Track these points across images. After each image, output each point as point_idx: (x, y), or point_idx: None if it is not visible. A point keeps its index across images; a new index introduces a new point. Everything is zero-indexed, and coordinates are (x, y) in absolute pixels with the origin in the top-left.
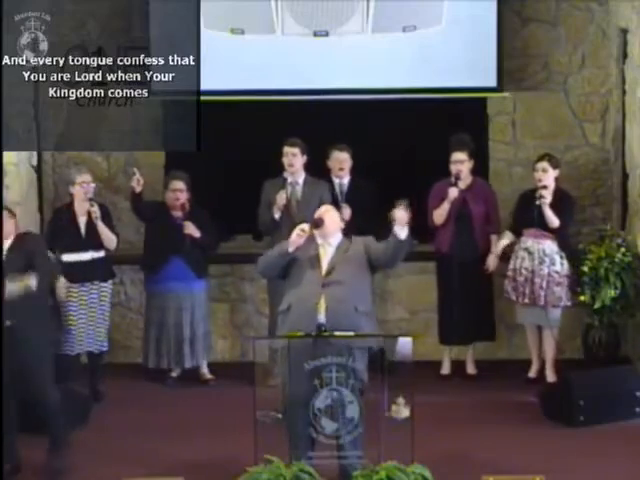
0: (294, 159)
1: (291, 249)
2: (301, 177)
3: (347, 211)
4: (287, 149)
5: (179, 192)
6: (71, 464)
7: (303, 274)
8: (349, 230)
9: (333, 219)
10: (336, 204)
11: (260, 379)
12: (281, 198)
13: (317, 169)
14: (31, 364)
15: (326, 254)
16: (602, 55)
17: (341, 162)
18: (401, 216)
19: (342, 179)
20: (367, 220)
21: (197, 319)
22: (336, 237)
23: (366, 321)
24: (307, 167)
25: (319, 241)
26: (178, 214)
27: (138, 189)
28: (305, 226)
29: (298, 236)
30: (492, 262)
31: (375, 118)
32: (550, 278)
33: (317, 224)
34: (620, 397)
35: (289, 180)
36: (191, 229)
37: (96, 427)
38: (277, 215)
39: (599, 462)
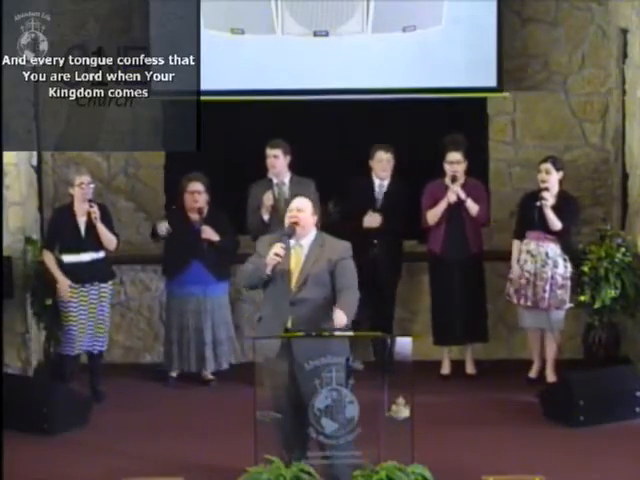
0: (276, 161)
1: (269, 271)
2: (287, 177)
3: (377, 218)
4: (269, 151)
5: (197, 194)
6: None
7: (275, 286)
8: (382, 233)
9: (305, 220)
10: (373, 206)
11: (260, 379)
12: (268, 199)
13: (317, 169)
14: None
15: (298, 262)
16: (602, 55)
17: (384, 163)
18: (339, 319)
19: (383, 180)
20: (400, 223)
21: (218, 322)
22: (309, 236)
23: (333, 339)
24: (311, 168)
25: (291, 242)
26: (195, 217)
27: (162, 235)
28: (280, 250)
29: (273, 259)
30: (515, 271)
31: (375, 118)
32: (553, 281)
33: (290, 234)
34: (620, 397)
35: (275, 181)
36: (208, 233)
37: (96, 427)
38: (266, 217)
39: (599, 462)
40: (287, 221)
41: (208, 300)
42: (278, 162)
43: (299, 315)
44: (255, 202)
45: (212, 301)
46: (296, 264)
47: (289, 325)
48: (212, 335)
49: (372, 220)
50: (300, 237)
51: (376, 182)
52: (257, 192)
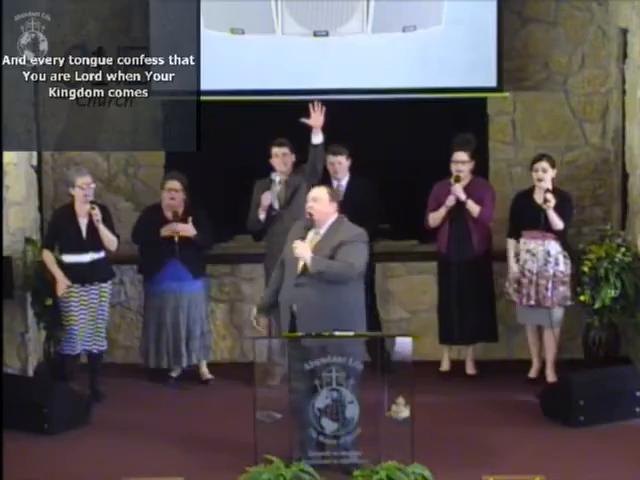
0: (285, 158)
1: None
2: (288, 174)
3: None
4: (276, 150)
5: (174, 192)
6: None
7: (287, 273)
8: None
9: (320, 210)
10: None
11: (260, 379)
12: (266, 199)
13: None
14: None
15: (311, 248)
16: (602, 55)
17: (335, 165)
18: (302, 249)
19: (340, 181)
20: (366, 219)
21: (194, 319)
22: (326, 224)
23: (338, 322)
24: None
25: (311, 232)
26: (169, 216)
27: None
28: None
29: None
30: (512, 269)
31: (375, 118)
32: (555, 278)
33: (309, 226)
34: (620, 397)
35: (278, 179)
36: (185, 229)
37: (96, 427)
38: (262, 216)
39: (599, 462)
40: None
41: (184, 296)
42: (288, 159)
43: (301, 297)
44: (257, 199)
45: (188, 298)
46: (309, 248)
47: (294, 308)
48: (187, 331)
49: None
50: (319, 225)
51: (334, 183)
52: (260, 189)
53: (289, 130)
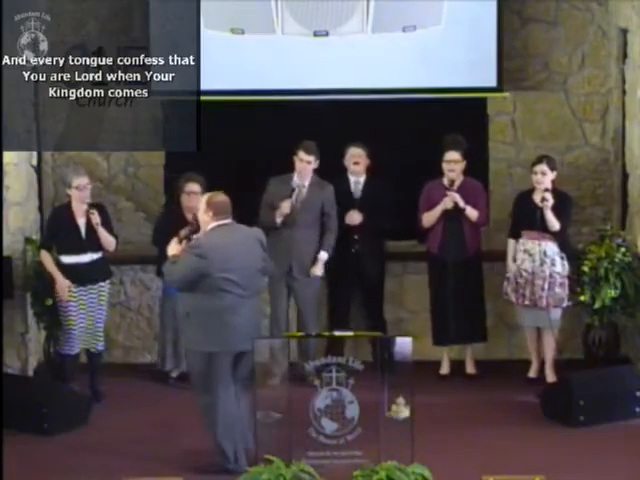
0: (309, 166)
1: None
2: (308, 180)
3: (358, 216)
4: (304, 156)
5: (194, 195)
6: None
7: None
8: (362, 229)
9: (199, 217)
10: (352, 203)
11: (260, 379)
12: (285, 207)
13: (317, 169)
14: None
15: None
16: (602, 55)
17: (356, 157)
18: None
19: (358, 177)
20: (382, 220)
21: None
22: (203, 231)
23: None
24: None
25: None
26: (189, 217)
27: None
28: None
29: None
30: (511, 269)
31: (375, 118)
32: (551, 279)
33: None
34: (620, 397)
35: (297, 183)
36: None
37: (96, 427)
38: (279, 220)
39: (599, 462)
40: None
41: None
42: (310, 167)
43: None
44: (270, 198)
45: None
46: None
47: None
48: None
49: (352, 218)
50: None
51: (351, 179)
52: (276, 189)
53: (289, 130)
